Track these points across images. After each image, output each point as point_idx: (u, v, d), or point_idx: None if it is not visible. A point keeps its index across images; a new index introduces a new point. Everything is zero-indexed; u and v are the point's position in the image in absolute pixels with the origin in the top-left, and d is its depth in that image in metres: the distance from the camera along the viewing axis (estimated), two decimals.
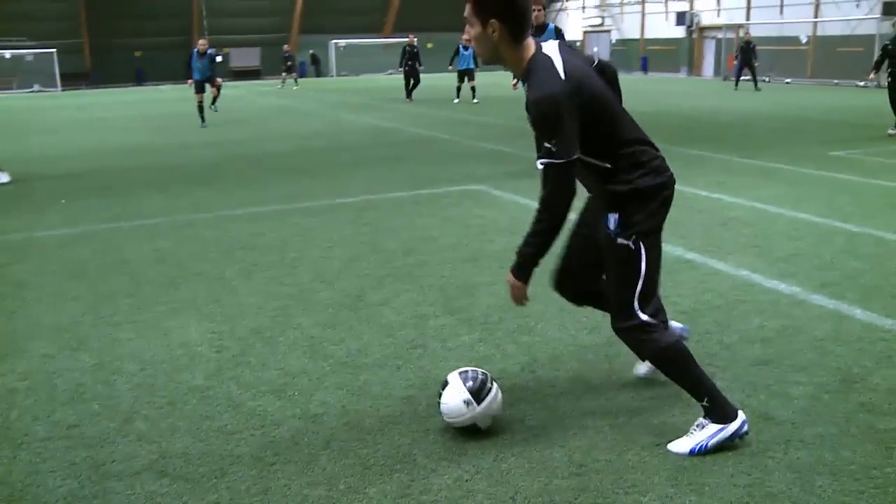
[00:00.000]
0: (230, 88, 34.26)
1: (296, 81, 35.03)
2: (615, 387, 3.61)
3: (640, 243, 2.95)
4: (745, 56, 26.83)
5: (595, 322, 4.43)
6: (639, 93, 26.77)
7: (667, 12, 44.70)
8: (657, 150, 3.05)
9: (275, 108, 23.06)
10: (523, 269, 2.97)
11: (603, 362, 3.89)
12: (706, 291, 4.98)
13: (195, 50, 17.46)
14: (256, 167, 11.15)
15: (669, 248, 5.94)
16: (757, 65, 27.32)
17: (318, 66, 47.81)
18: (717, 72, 40.79)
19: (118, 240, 6.85)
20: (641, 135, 3.04)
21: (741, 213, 7.18)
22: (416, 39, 24.21)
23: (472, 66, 22.12)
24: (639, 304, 2.97)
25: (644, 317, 2.98)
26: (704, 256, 5.76)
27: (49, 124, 20.05)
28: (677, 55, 43.71)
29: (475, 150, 12.30)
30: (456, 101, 22.37)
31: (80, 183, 10.22)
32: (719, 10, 41.22)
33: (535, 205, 2.92)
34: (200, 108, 17.33)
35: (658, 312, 3.13)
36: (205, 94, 17.36)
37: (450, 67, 22.62)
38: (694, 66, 43.01)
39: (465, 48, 21.86)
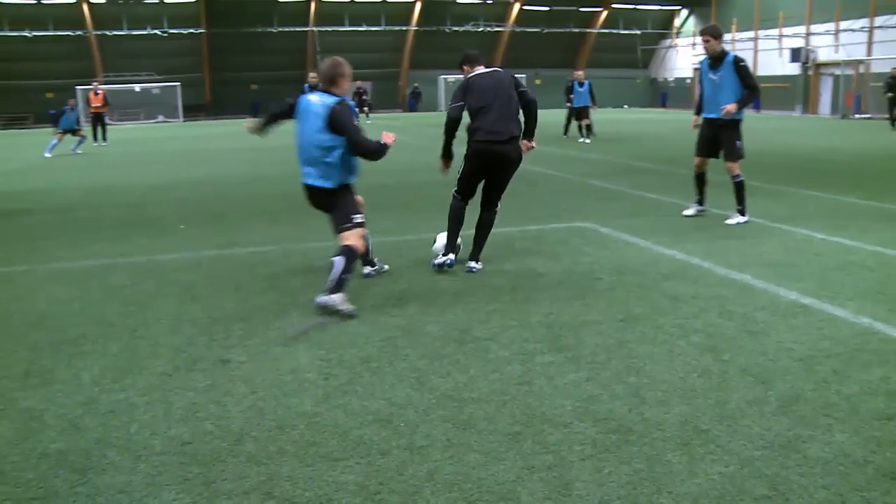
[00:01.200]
0: None
1: (367, 116, 34.84)
2: (726, 434, 3.49)
3: (463, 165, 6.64)
4: (894, 91, 25.76)
5: (705, 366, 4.32)
6: (750, 131, 26.07)
7: (780, 48, 43.62)
8: (490, 128, 6.39)
9: None
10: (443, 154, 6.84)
11: (714, 407, 3.77)
12: (823, 338, 4.77)
13: (306, 85, 18.02)
14: (365, 198, 11.35)
15: (783, 292, 5.75)
16: None
17: (417, 101, 48.90)
18: (834, 109, 39.44)
19: (231, 265, 7.12)
20: (484, 122, 6.39)
21: (862, 258, 6.87)
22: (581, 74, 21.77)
23: (587, 103, 21.08)
24: (457, 188, 6.73)
25: (456, 194, 6.73)
26: (822, 301, 5.53)
27: (170, 153, 21.06)
28: (792, 92, 42.50)
29: (583, 187, 12.22)
30: (565, 137, 22.01)
31: (195, 210, 10.69)
32: (837, 46, 39.93)
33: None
34: None
35: (462, 196, 6.75)
36: None
37: (567, 105, 21.61)
38: (809, 104, 41.70)
39: (580, 85, 20.98)
